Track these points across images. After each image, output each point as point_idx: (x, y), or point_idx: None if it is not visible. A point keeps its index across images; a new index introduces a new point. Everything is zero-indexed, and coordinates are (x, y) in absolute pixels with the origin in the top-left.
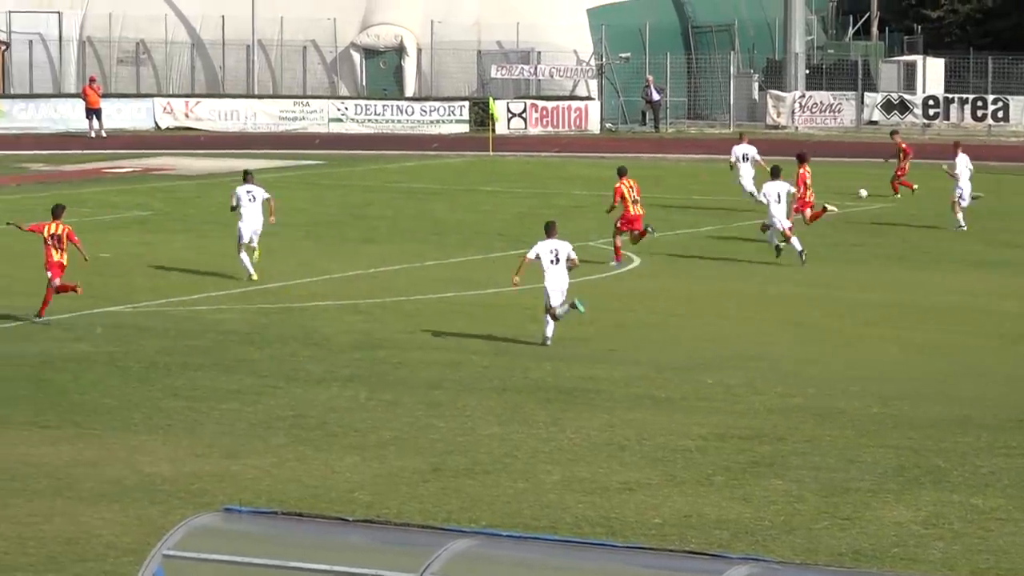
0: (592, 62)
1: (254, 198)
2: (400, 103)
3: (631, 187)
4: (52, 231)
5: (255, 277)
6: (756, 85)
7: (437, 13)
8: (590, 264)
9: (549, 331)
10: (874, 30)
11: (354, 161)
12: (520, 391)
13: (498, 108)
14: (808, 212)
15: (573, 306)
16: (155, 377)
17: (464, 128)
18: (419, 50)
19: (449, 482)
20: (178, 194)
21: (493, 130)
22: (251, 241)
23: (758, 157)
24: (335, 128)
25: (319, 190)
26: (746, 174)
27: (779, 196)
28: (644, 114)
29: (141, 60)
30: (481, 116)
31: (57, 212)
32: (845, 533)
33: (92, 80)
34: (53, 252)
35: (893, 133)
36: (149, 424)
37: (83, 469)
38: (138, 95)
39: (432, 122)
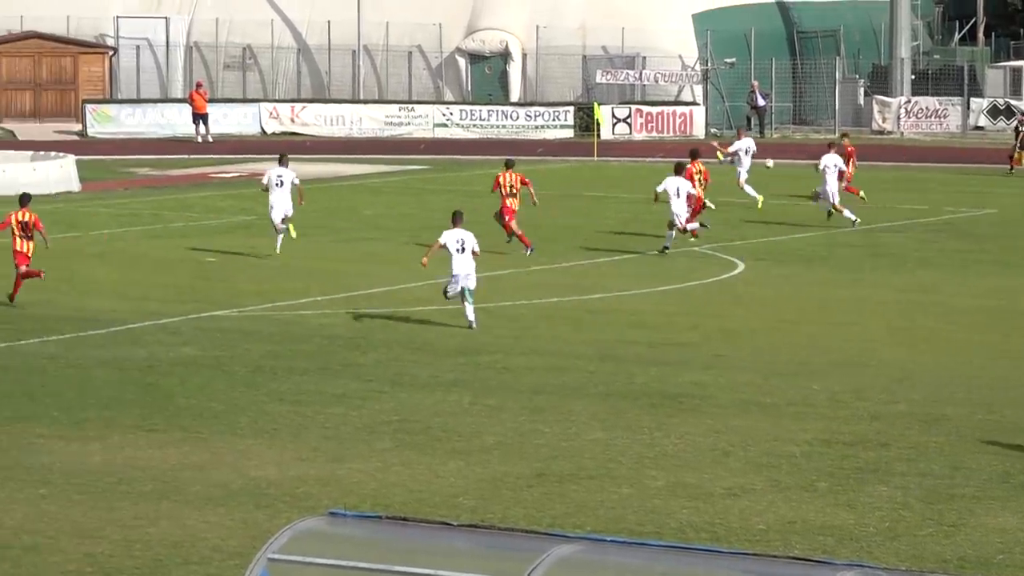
0: (697, 67)
1: (282, 182)
2: (505, 108)
3: (512, 181)
4: (19, 219)
5: (278, 252)
6: (861, 91)
7: (542, 18)
8: (698, 270)
9: (470, 314)
10: (980, 35)
11: (459, 166)
12: (625, 396)
13: (603, 113)
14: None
15: (463, 293)
16: (261, 381)
17: (569, 133)
18: (524, 55)
19: (553, 487)
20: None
21: (598, 135)
22: (284, 222)
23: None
24: (440, 133)
25: (424, 195)
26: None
27: (678, 191)
28: (749, 119)
29: (247, 65)
30: (586, 121)
31: (24, 200)
32: (950, 540)
33: (199, 85)
34: (18, 241)
35: (843, 136)
36: (255, 428)
37: (189, 472)
38: (244, 100)
39: (537, 127)
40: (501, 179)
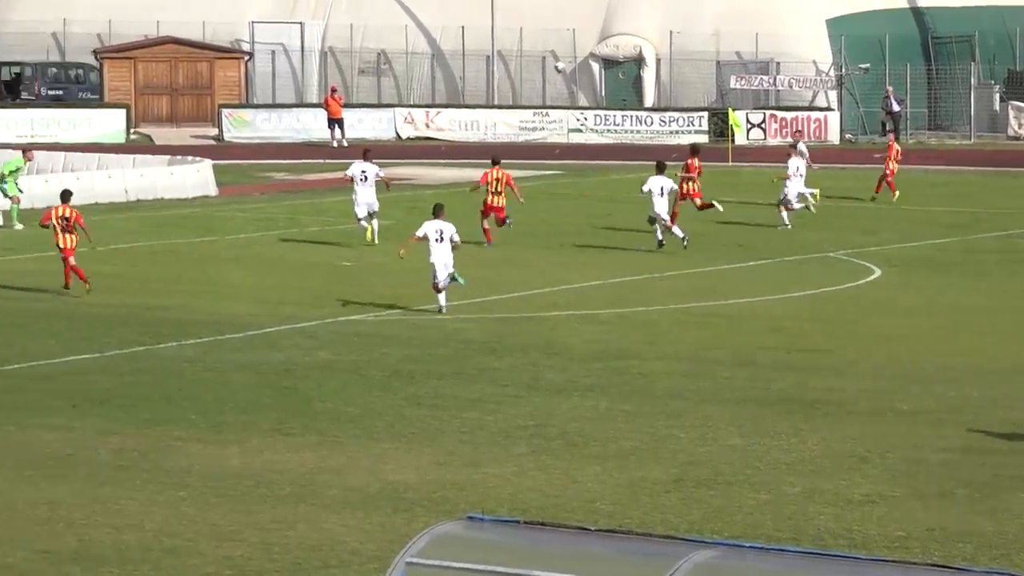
0: (831, 73)
1: (366, 177)
2: (639, 113)
3: (497, 179)
4: (60, 214)
5: (375, 241)
6: (997, 96)
7: (676, 23)
8: (834, 276)
9: (442, 300)
10: None
11: (593, 171)
12: (762, 402)
13: (738, 119)
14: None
15: (454, 279)
16: (397, 385)
17: (703, 138)
18: (658, 60)
19: (690, 493)
20: (419, 203)
21: (732, 140)
22: (370, 216)
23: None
24: (574, 138)
25: (558, 200)
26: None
27: (662, 190)
28: (884, 125)
29: (382, 70)
30: (720, 127)
31: (65, 197)
32: None
33: (333, 90)
34: (61, 236)
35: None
36: (392, 432)
37: (327, 476)
38: (379, 105)
39: (671, 132)
40: (488, 175)
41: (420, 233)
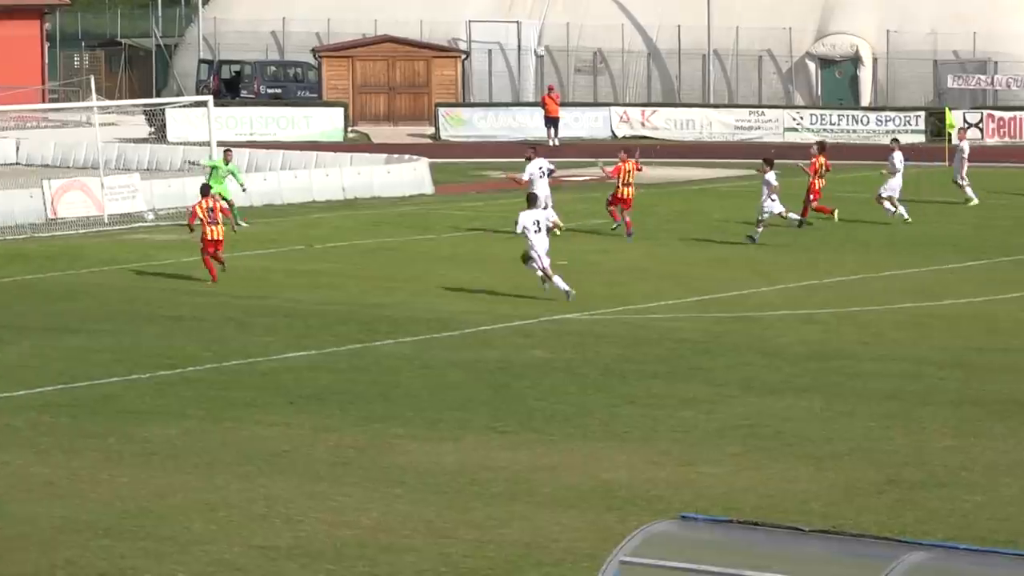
0: None
1: (544, 173)
2: (855, 113)
3: (629, 171)
4: (204, 206)
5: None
6: None
7: (892, 22)
8: None
9: (563, 284)
10: None
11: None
12: (977, 404)
13: (954, 118)
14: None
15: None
16: (612, 384)
17: (920, 138)
18: (874, 59)
19: (904, 494)
20: (635, 202)
21: (949, 140)
22: (546, 206)
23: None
24: (790, 137)
25: None
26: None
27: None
28: None
29: (598, 69)
30: (937, 126)
31: (204, 191)
32: None
33: (551, 89)
34: (209, 228)
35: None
36: (606, 431)
37: (541, 474)
38: (595, 104)
39: (888, 132)
40: (621, 168)
41: (519, 229)
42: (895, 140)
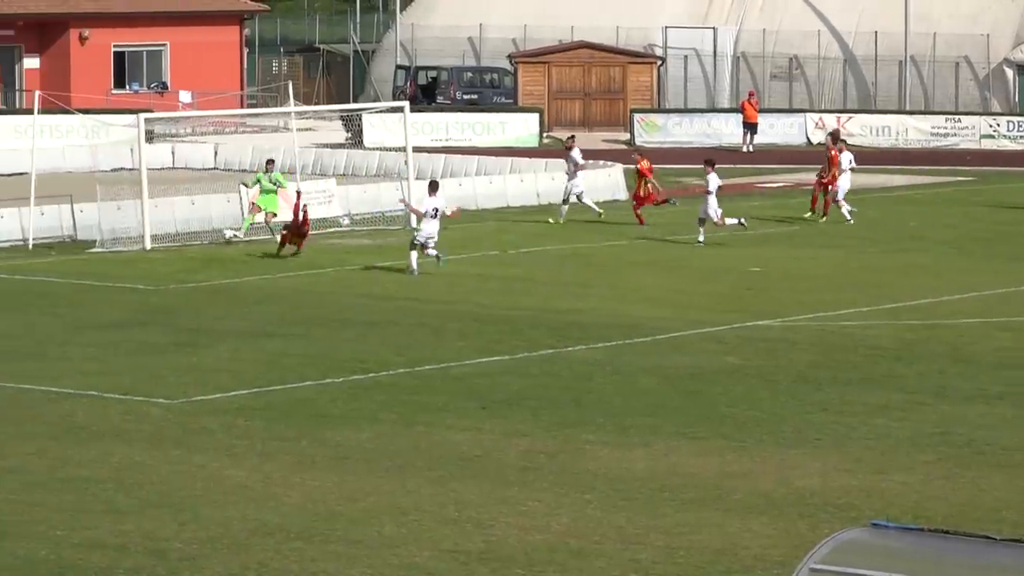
0: None
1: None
2: None
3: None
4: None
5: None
6: None
7: None
8: None
9: (414, 263)
10: None
11: (1005, 178)
12: None
13: None
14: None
15: (438, 258)
16: (804, 391)
17: None
18: None
19: None
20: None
21: None
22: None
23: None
24: (986, 145)
25: (969, 207)
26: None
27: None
28: None
29: (794, 75)
30: None
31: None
32: None
33: (751, 95)
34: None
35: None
36: (798, 437)
37: (732, 481)
38: (790, 110)
39: None
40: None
41: (423, 208)
42: (843, 141)
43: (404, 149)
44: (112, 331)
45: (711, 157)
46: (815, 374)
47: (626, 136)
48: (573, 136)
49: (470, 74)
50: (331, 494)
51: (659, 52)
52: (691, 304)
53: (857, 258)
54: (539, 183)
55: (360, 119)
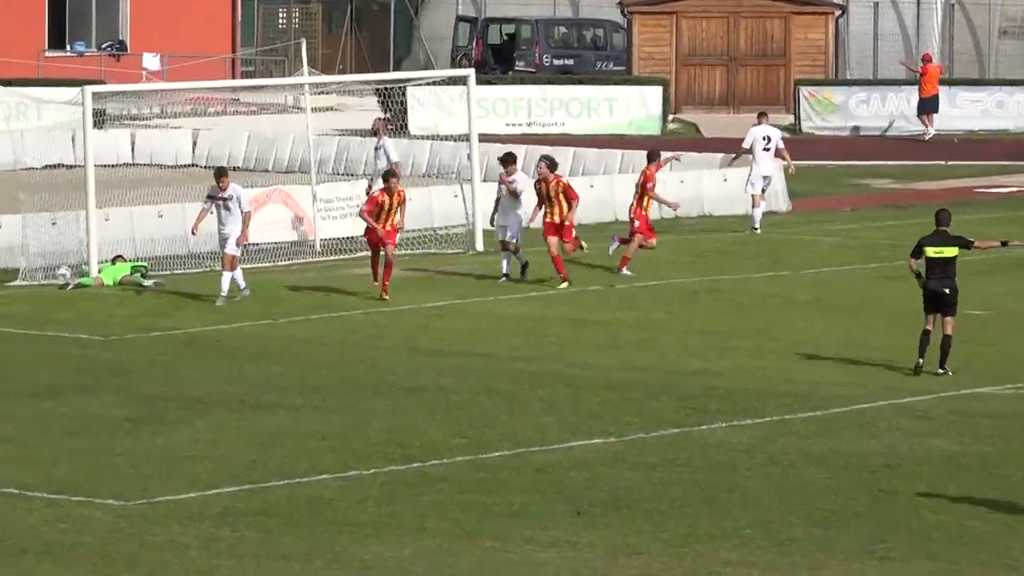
0: None
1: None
2: None
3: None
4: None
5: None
6: None
7: None
8: None
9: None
10: None
11: None
12: None
13: None
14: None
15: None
16: None
17: None
18: None
19: None
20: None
21: None
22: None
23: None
24: None
25: None
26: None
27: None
28: None
29: None
30: None
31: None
32: None
33: (926, 58)
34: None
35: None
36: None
37: None
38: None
39: None
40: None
41: None
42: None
43: (467, 138)
44: (42, 400)
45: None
46: None
47: (788, 120)
48: (764, 113)
49: (563, 29)
50: None
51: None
52: (880, 362)
53: None
54: (662, 188)
55: (404, 94)
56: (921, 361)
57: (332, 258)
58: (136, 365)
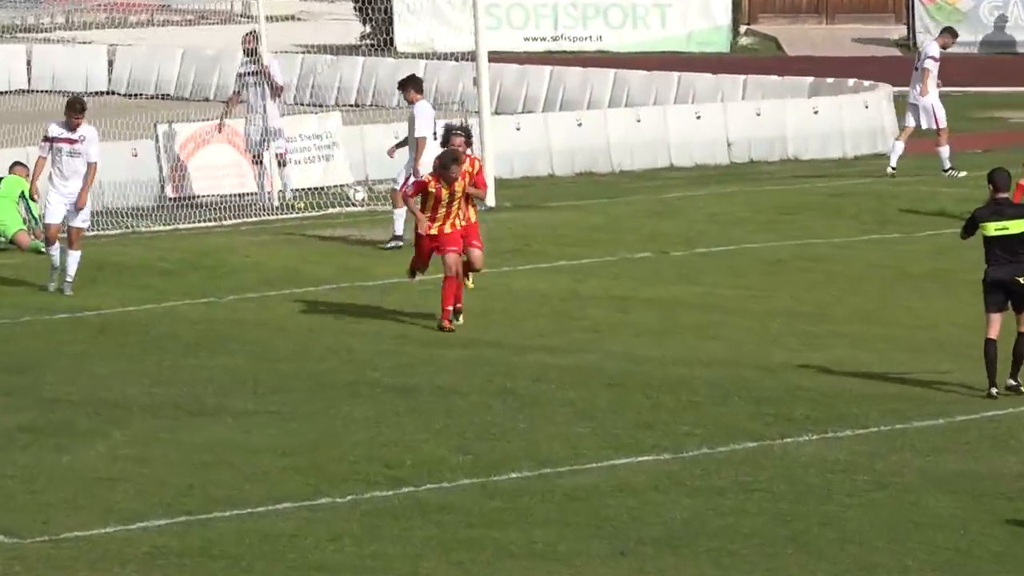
0: None
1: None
2: None
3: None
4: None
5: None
6: None
7: None
8: None
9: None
10: None
11: None
12: None
13: None
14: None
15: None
16: None
17: None
18: None
19: None
20: None
21: None
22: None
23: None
24: None
25: None
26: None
27: None
28: None
29: None
30: None
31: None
32: None
33: None
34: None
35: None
36: None
37: None
38: None
39: None
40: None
41: None
42: None
43: (473, 57)
44: None
45: None
46: None
47: (900, 32)
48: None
49: None
50: None
51: None
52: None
53: None
54: (730, 123)
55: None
56: (995, 391)
57: (294, 216)
58: (35, 358)
